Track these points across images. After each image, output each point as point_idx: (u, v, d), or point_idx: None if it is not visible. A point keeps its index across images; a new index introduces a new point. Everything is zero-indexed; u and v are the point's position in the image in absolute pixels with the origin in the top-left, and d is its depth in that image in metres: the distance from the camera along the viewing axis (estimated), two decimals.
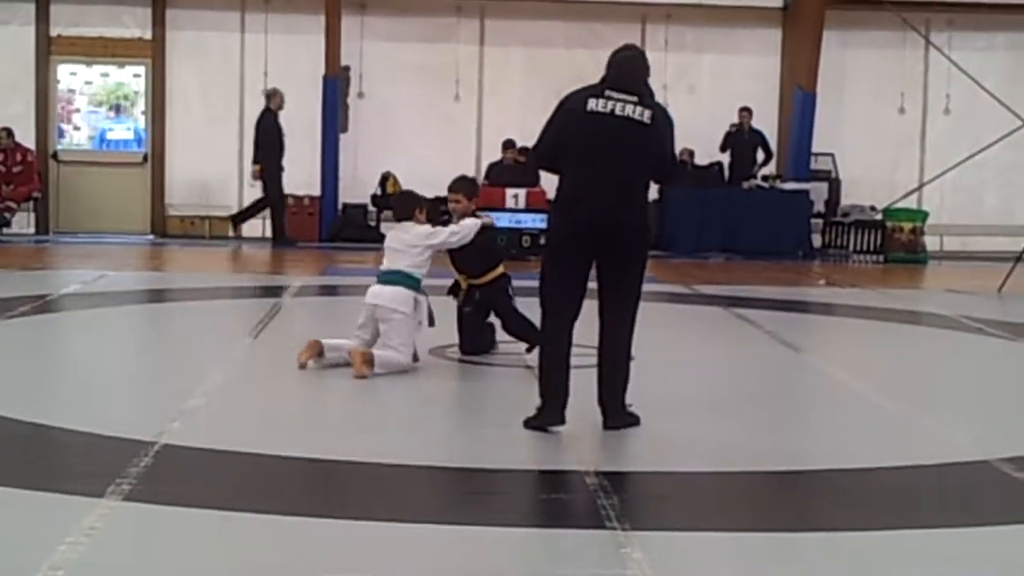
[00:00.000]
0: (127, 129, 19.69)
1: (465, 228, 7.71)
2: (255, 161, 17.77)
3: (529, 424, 6.15)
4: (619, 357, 6.22)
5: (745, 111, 18.51)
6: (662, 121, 6.26)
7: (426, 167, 18.55)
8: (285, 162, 17.80)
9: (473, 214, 8.00)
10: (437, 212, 8.95)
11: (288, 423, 6.40)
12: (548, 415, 6.11)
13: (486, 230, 7.85)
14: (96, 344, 9.25)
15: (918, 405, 7.22)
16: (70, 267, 14.35)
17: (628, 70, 6.31)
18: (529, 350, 7.83)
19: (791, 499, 5.32)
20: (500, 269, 8.30)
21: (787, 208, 18.23)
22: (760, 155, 18.64)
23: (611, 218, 6.08)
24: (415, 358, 7.59)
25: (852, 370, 8.33)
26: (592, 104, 6.13)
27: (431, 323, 7.71)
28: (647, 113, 6.15)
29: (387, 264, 7.62)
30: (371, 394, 7.01)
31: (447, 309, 8.24)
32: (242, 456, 5.54)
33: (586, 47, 19.16)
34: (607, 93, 6.15)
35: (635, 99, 6.15)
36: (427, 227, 7.67)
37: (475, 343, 8.24)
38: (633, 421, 6.24)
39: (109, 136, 19.69)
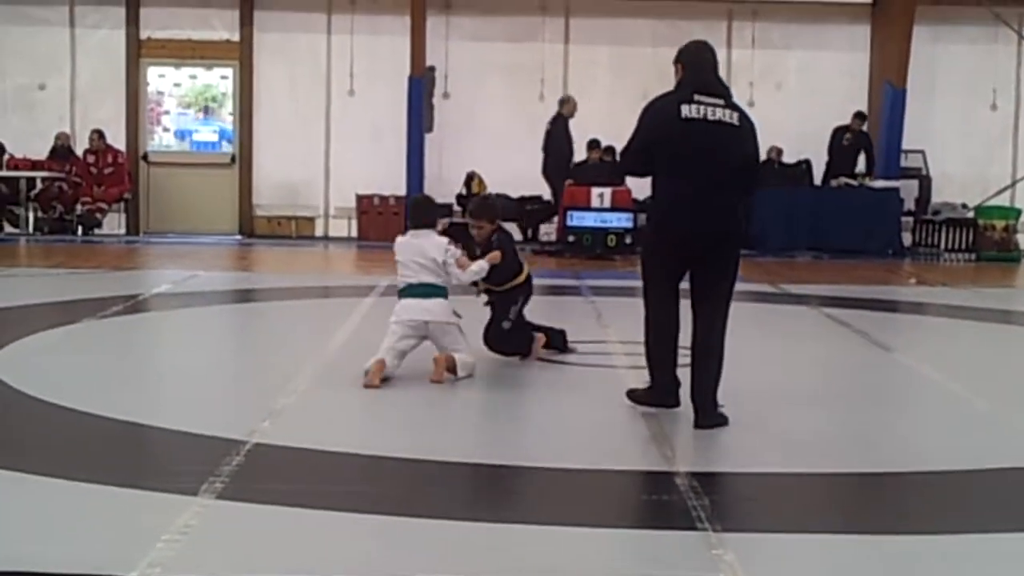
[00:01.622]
0: (214, 131, 19.93)
1: (471, 274, 7.55)
2: (544, 168, 17.76)
3: (636, 397, 6.39)
4: (712, 355, 6.25)
5: (858, 116, 18.32)
6: (747, 122, 6.31)
7: (510, 167, 18.66)
8: (374, 161, 17.91)
9: (490, 237, 7.88)
10: (461, 233, 8.68)
11: (377, 422, 6.43)
12: (663, 397, 6.32)
13: (493, 271, 7.71)
14: (187, 343, 9.37)
15: (1013, 405, 7.09)
16: (160, 267, 14.56)
17: (708, 69, 6.34)
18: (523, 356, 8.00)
19: (883, 501, 5.24)
20: (521, 278, 8.06)
21: (877, 206, 18.00)
22: (861, 159, 18.45)
23: (712, 225, 6.17)
24: None
25: (945, 370, 8.20)
26: (686, 111, 6.14)
27: None
28: (735, 115, 6.22)
29: (413, 277, 7.35)
30: (453, 395, 6.99)
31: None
32: (333, 455, 5.57)
33: (672, 45, 18.84)
34: (696, 98, 6.16)
35: (722, 102, 6.21)
36: (443, 240, 7.47)
37: (498, 344, 8.10)
38: (722, 421, 6.21)
39: (197, 137, 19.94)
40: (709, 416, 6.19)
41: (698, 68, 6.32)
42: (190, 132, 19.95)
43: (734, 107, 6.25)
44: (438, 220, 7.75)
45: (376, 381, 6.99)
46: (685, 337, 6.34)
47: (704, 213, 6.14)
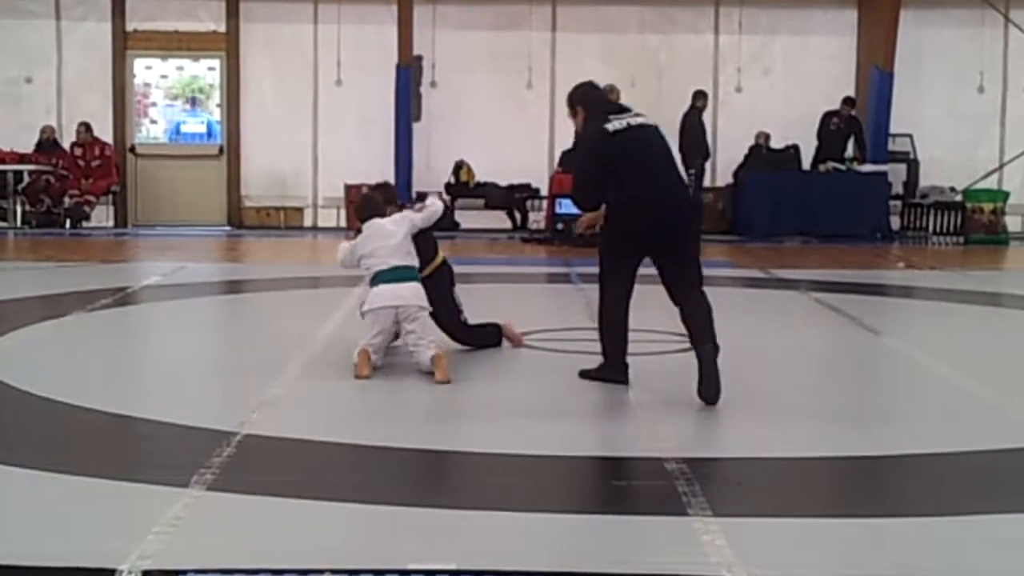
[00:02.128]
0: (201, 122, 19.89)
1: (429, 213, 7.47)
2: (686, 165, 17.76)
3: (587, 374, 6.77)
4: (701, 304, 6.50)
5: (847, 101, 18.33)
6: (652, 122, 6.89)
7: (499, 155, 18.66)
8: (363, 151, 17.91)
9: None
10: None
11: (367, 412, 6.42)
12: (614, 372, 6.66)
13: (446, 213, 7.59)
14: (176, 335, 9.35)
15: (1003, 388, 7.09)
16: (149, 259, 14.55)
17: (603, 100, 7.09)
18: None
19: (875, 484, 5.24)
20: (439, 259, 7.85)
21: (865, 190, 18.03)
22: (850, 146, 18.46)
23: (673, 213, 6.59)
24: None
25: (934, 353, 8.21)
26: (611, 126, 6.63)
27: None
28: (641, 118, 6.78)
29: (382, 263, 7.21)
30: (441, 384, 6.96)
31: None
32: (323, 445, 5.57)
33: (660, 32, 19.09)
34: (611, 118, 6.70)
35: (630, 113, 6.79)
36: (396, 214, 7.42)
37: (469, 339, 7.96)
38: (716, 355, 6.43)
39: (184, 129, 19.90)
40: (713, 386, 6.29)
41: (595, 103, 6.95)
42: (177, 124, 19.91)
43: (640, 114, 6.80)
44: (386, 208, 7.61)
45: (366, 371, 6.95)
46: (658, 322, 6.51)
47: (664, 206, 6.55)
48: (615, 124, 6.66)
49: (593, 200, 6.86)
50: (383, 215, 7.46)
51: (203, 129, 19.88)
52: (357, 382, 6.88)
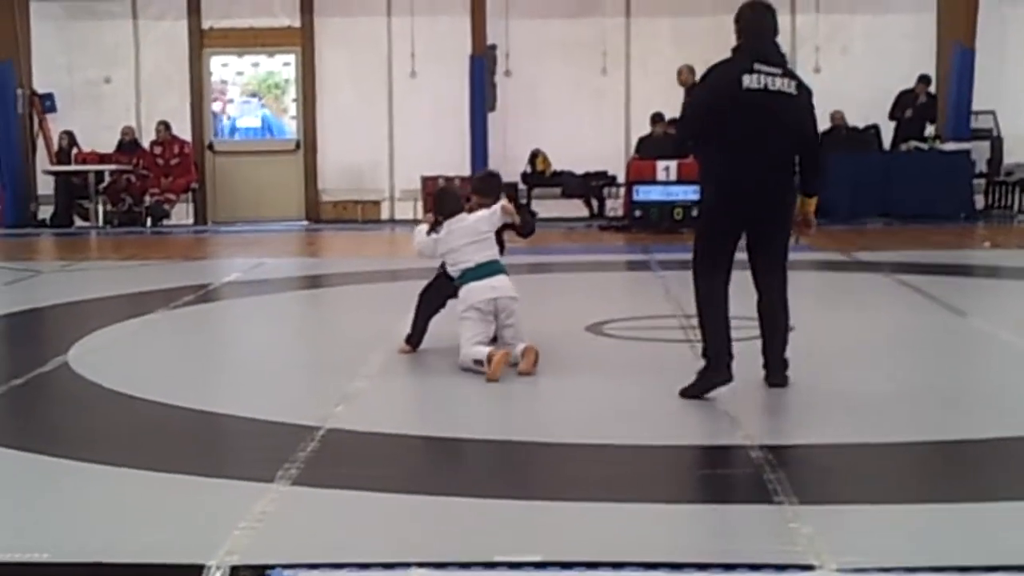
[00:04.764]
0: (278, 118, 20.05)
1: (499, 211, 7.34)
2: None
3: (687, 393, 6.14)
4: (779, 313, 6.28)
5: (923, 80, 18.07)
6: (805, 90, 6.27)
7: (575, 143, 18.60)
8: (438, 142, 17.95)
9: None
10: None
11: (449, 405, 6.43)
12: (716, 373, 6.11)
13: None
14: (258, 331, 9.43)
15: None
16: (229, 256, 14.69)
17: (768, 36, 6.22)
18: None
19: (965, 469, 5.16)
20: None
21: (948, 169, 17.74)
22: (929, 127, 18.20)
23: (770, 197, 6.16)
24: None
25: (1023, 334, 8.07)
26: (747, 81, 6.04)
27: None
28: (793, 84, 6.16)
29: (470, 260, 7.16)
30: (521, 376, 6.94)
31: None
32: (407, 439, 5.58)
33: (733, 13, 18.88)
34: (756, 67, 6.07)
35: (780, 71, 6.13)
36: (482, 212, 7.31)
37: None
38: (786, 382, 6.29)
39: (239, 124, 20.09)
40: (778, 374, 6.24)
41: (758, 35, 6.20)
42: (255, 120, 20.10)
43: (791, 75, 6.19)
44: (463, 205, 7.57)
45: (498, 373, 6.71)
46: (746, 308, 6.31)
47: (763, 188, 6.11)
48: (751, 80, 6.04)
49: (690, 134, 6.55)
50: (462, 209, 7.41)
51: (279, 124, 20.03)
52: (438, 375, 6.88)
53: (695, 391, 6.14)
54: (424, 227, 7.46)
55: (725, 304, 6.20)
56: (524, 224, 7.50)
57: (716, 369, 6.13)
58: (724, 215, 6.19)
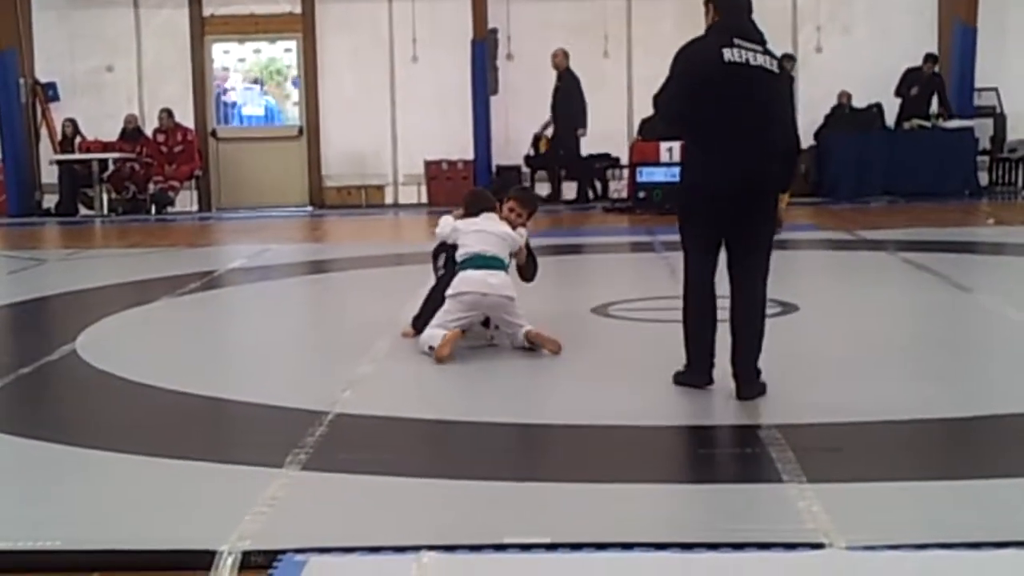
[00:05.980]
0: (279, 105, 20.05)
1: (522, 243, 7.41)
2: None
3: (678, 380, 6.03)
4: (754, 316, 5.85)
5: (929, 59, 18.03)
6: (783, 70, 6.01)
7: None
8: (441, 126, 17.93)
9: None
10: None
11: (456, 389, 6.44)
12: (695, 376, 5.95)
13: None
14: (264, 317, 9.43)
15: None
16: (233, 242, 14.70)
17: (744, 13, 5.92)
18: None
19: (972, 446, 5.17)
20: None
21: (951, 147, 17.74)
22: (935, 103, 18.16)
23: (754, 177, 5.74)
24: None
25: None
26: (728, 54, 5.72)
27: None
28: (774, 62, 5.85)
29: (481, 247, 7.13)
30: (528, 358, 6.95)
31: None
32: (415, 422, 5.59)
33: None
34: (736, 42, 5.76)
35: (760, 47, 5.82)
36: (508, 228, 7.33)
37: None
38: (763, 390, 5.83)
39: (263, 112, 20.07)
40: (752, 386, 5.81)
41: (734, 11, 5.89)
42: (258, 107, 20.09)
43: (771, 53, 5.88)
44: (495, 204, 7.58)
45: (447, 351, 6.76)
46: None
47: (747, 167, 5.69)
48: (732, 54, 5.71)
49: (670, 115, 6.03)
50: (494, 207, 7.42)
51: (283, 110, 20.02)
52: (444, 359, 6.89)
53: (679, 380, 6.02)
54: (451, 217, 7.49)
55: (710, 305, 5.92)
56: (527, 268, 7.57)
57: (696, 372, 5.95)
58: (707, 200, 5.81)
